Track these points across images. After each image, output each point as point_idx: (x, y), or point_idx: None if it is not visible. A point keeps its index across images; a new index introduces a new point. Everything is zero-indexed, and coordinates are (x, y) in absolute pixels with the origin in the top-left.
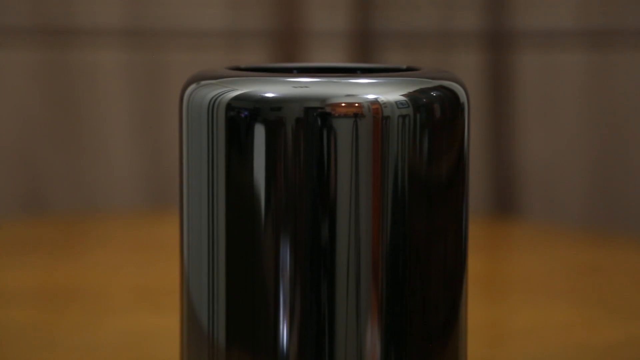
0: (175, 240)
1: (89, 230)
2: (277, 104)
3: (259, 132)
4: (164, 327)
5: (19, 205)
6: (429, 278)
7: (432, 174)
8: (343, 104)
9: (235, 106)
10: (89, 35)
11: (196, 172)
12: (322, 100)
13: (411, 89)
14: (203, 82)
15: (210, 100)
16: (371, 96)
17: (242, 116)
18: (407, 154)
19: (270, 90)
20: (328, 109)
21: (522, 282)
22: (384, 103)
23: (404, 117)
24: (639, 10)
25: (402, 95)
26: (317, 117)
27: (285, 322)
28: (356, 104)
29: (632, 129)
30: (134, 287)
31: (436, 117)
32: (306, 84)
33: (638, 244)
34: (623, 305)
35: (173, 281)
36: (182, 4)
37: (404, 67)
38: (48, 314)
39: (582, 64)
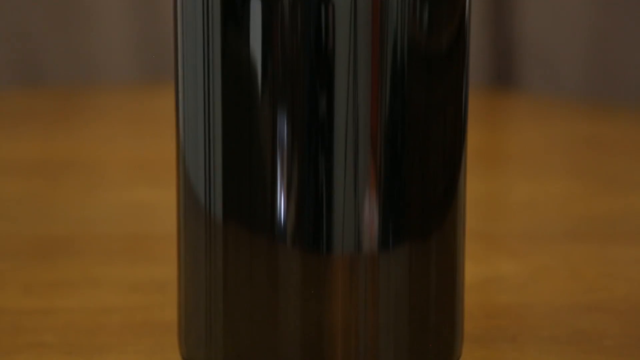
0: (172, 112)
1: (84, 102)
2: None
3: (255, 4)
4: (161, 200)
5: (15, 78)
6: (427, 151)
7: (432, 46)
8: None
9: None
10: None
11: (191, 44)
12: None
13: None
14: None
15: None
16: None
17: None
18: (406, 26)
19: None
20: None
21: (521, 155)
22: None
23: None
24: None
25: None
26: None
27: (282, 195)
28: None
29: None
30: (130, 160)
31: None
32: None
33: (637, 115)
34: (622, 176)
35: (169, 154)
36: None
37: None
38: (44, 187)
39: None
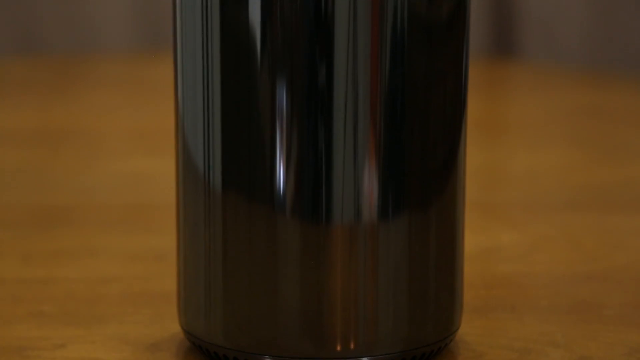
0: (171, 81)
1: (84, 71)
2: None
3: None
4: (160, 169)
5: (15, 47)
6: (427, 121)
7: (432, 15)
8: None
9: None
10: None
11: (190, 12)
12: None
13: None
14: None
15: None
16: None
17: None
18: None
19: None
20: None
21: (521, 124)
22: None
23: None
24: None
25: None
26: None
27: (281, 164)
28: None
29: None
30: (129, 129)
31: None
32: None
33: (637, 84)
34: (621, 146)
35: (169, 123)
36: None
37: None
38: (43, 156)
39: None
